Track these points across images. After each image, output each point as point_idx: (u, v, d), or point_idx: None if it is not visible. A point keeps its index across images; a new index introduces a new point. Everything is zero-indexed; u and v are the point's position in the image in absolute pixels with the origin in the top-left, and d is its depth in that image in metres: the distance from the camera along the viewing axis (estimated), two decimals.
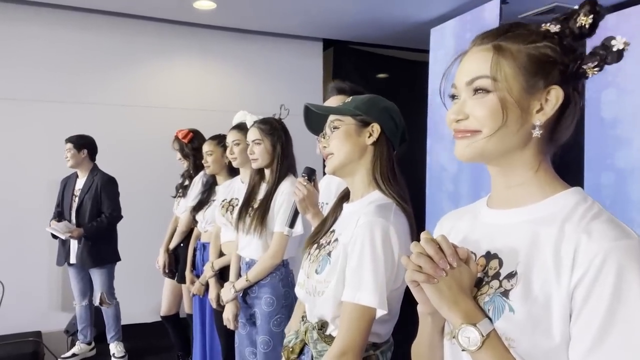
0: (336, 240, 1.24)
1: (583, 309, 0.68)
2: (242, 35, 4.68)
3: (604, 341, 0.66)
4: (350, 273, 1.14)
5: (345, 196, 1.34)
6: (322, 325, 1.23)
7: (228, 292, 2.20)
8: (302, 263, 1.34)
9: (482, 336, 0.73)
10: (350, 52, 5.10)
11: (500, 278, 0.77)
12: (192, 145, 3.20)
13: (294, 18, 4.34)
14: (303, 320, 1.32)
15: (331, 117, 1.28)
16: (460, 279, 0.76)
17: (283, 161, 2.18)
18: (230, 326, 2.21)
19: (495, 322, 0.75)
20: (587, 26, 0.74)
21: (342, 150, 1.25)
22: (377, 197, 1.24)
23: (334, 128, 1.27)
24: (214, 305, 2.46)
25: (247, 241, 2.19)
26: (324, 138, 1.29)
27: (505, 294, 0.75)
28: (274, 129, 2.19)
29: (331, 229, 1.30)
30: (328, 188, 1.76)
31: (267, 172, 2.21)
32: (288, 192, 2.13)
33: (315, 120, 1.34)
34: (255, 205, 2.18)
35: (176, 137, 3.26)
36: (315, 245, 1.30)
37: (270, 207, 2.14)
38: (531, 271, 0.74)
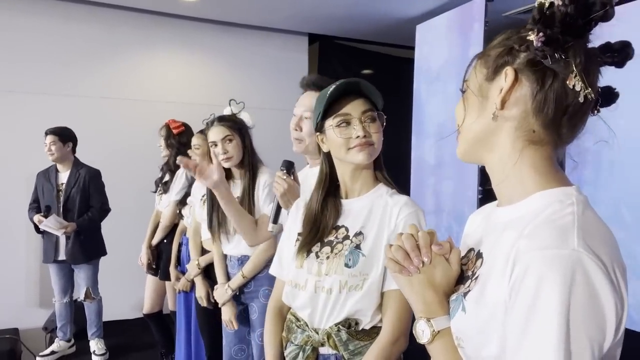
0: (360, 234, 1.23)
1: (508, 318, 0.65)
2: (226, 28, 4.62)
3: (517, 353, 0.63)
4: None
5: (330, 191, 1.30)
6: (355, 323, 1.20)
7: (224, 293, 2.16)
8: (301, 263, 1.27)
9: (434, 331, 0.76)
10: (335, 47, 5.09)
11: (474, 278, 0.77)
12: (179, 139, 3.14)
13: (280, 12, 4.31)
14: (301, 329, 1.26)
15: (369, 105, 1.25)
16: (433, 274, 0.79)
17: (253, 154, 2.19)
18: (232, 327, 2.17)
19: (451, 320, 0.76)
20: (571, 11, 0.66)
21: (380, 144, 1.27)
22: (386, 189, 1.28)
23: (373, 119, 1.25)
24: (205, 304, 2.40)
25: (237, 240, 2.16)
26: (350, 125, 1.23)
27: (466, 293, 0.75)
28: (240, 124, 2.18)
29: (336, 225, 1.27)
30: (307, 182, 1.70)
31: (234, 169, 2.18)
32: (270, 184, 2.11)
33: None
34: None
35: (167, 125, 3.20)
36: (319, 244, 1.26)
37: (254, 202, 2.12)
38: (490, 275, 0.71)
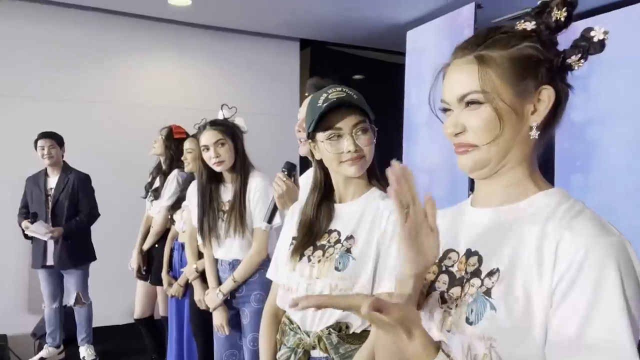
0: (351, 237, 1.24)
1: (562, 304, 0.68)
2: (218, 34, 4.63)
3: (583, 337, 0.66)
4: (396, 263, 1.14)
5: (324, 196, 1.32)
6: (346, 326, 1.21)
7: (215, 297, 2.16)
8: (294, 266, 1.28)
9: None
10: (327, 53, 5.11)
11: (482, 276, 0.77)
12: (177, 144, 3.13)
13: (271, 17, 4.33)
14: (293, 332, 1.27)
15: (360, 118, 1.24)
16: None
17: (245, 159, 2.19)
18: (223, 332, 2.17)
19: (478, 323, 0.74)
20: (562, 19, 0.75)
21: (371, 155, 1.26)
22: (379, 192, 1.28)
23: (365, 131, 1.24)
24: (204, 307, 2.39)
25: (228, 244, 2.17)
26: (341, 138, 1.22)
27: (488, 292, 0.75)
28: (233, 128, 2.19)
29: (329, 229, 1.28)
30: (308, 185, 1.74)
31: (225, 173, 2.18)
32: (262, 187, 2.13)
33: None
34: (225, 208, 2.16)
35: (170, 127, 3.20)
36: (312, 248, 1.27)
37: (245, 205, 2.12)
38: (514, 270, 0.73)
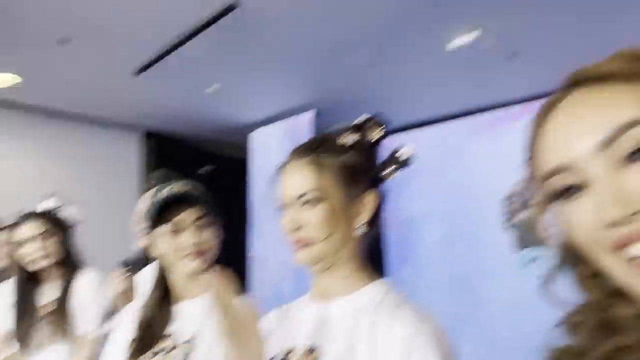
0: (191, 341, 1.16)
1: None
2: (49, 117, 4.30)
3: None
4: None
5: (164, 295, 1.25)
6: None
7: None
8: None
9: None
10: (173, 145, 5.07)
11: None
12: None
13: (113, 104, 4.20)
14: None
15: (202, 212, 1.21)
16: None
17: (75, 253, 2.04)
18: None
19: None
20: (377, 136, 0.90)
21: (214, 250, 1.22)
22: None
23: (207, 225, 1.21)
24: None
25: (51, 352, 1.89)
26: (182, 233, 1.19)
27: None
28: (59, 220, 2.04)
29: (167, 332, 1.20)
30: (147, 283, 1.65)
31: (52, 269, 1.97)
32: (94, 286, 1.96)
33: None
34: (48, 310, 1.93)
35: None
36: (150, 353, 1.18)
37: (72, 306, 1.91)
38: (353, 357, 0.79)
